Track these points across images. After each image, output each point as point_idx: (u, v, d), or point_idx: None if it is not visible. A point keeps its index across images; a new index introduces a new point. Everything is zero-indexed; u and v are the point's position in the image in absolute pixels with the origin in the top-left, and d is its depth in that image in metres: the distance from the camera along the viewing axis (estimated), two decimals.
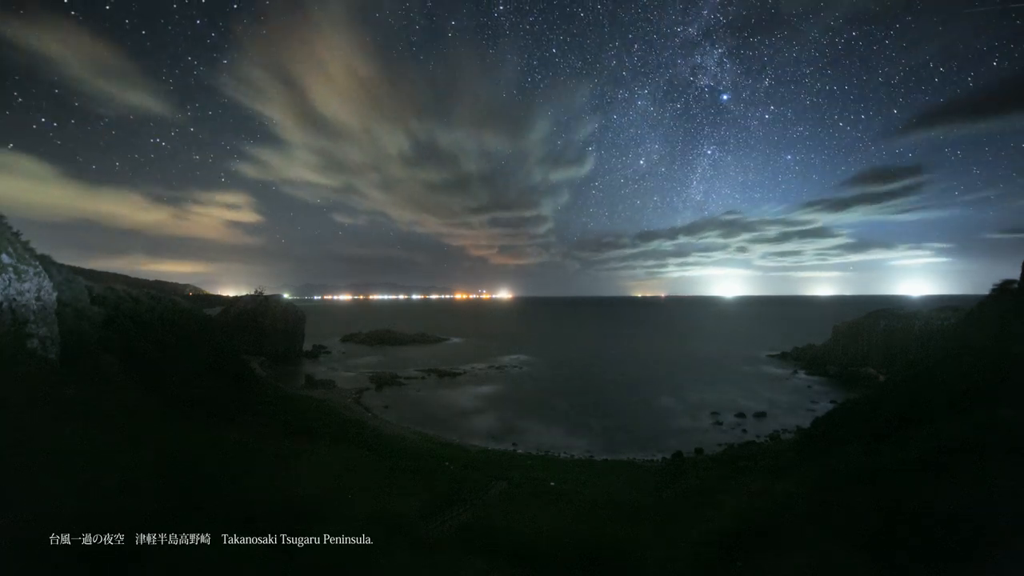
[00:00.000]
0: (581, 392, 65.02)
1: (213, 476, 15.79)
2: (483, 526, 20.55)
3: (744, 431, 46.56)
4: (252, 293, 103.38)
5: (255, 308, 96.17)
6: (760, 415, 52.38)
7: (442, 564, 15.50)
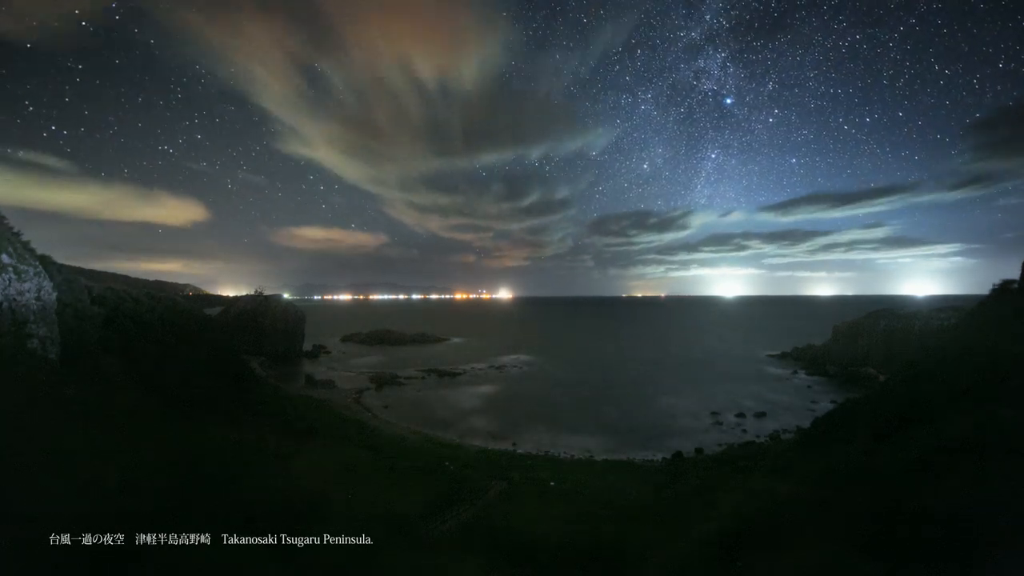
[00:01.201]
0: (581, 392, 65.00)
1: (213, 476, 15.80)
2: (483, 526, 20.55)
3: (744, 431, 46.55)
4: (252, 293, 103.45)
5: (255, 308, 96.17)
6: (760, 415, 52.38)
7: (442, 564, 15.51)
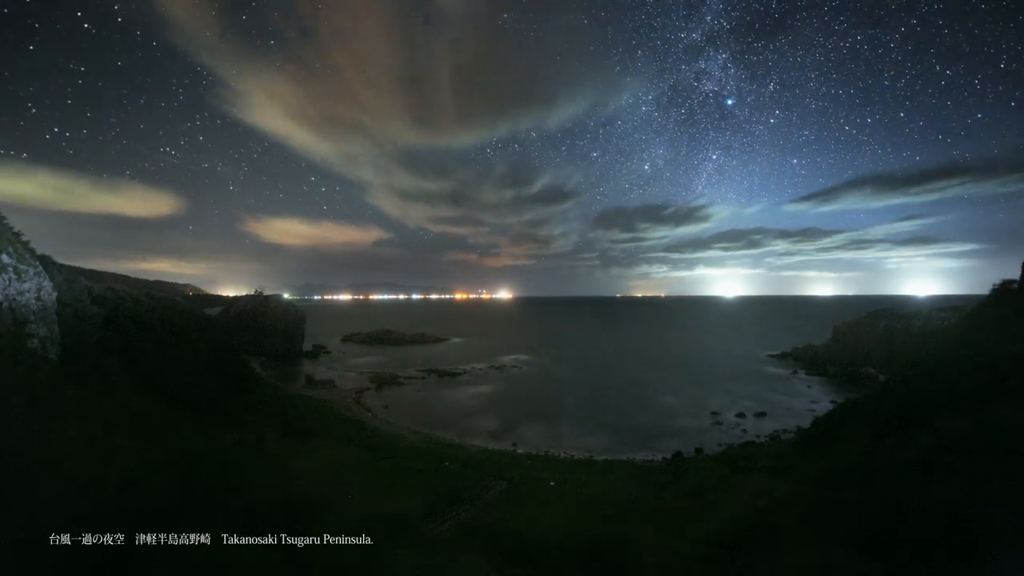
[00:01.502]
0: (581, 392, 64.97)
1: (213, 476, 15.79)
2: (483, 526, 20.55)
3: (744, 431, 46.52)
4: (252, 293, 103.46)
5: (255, 308, 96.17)
6: (760, 415, 52.36)
7: (442, 563, 15.50)
